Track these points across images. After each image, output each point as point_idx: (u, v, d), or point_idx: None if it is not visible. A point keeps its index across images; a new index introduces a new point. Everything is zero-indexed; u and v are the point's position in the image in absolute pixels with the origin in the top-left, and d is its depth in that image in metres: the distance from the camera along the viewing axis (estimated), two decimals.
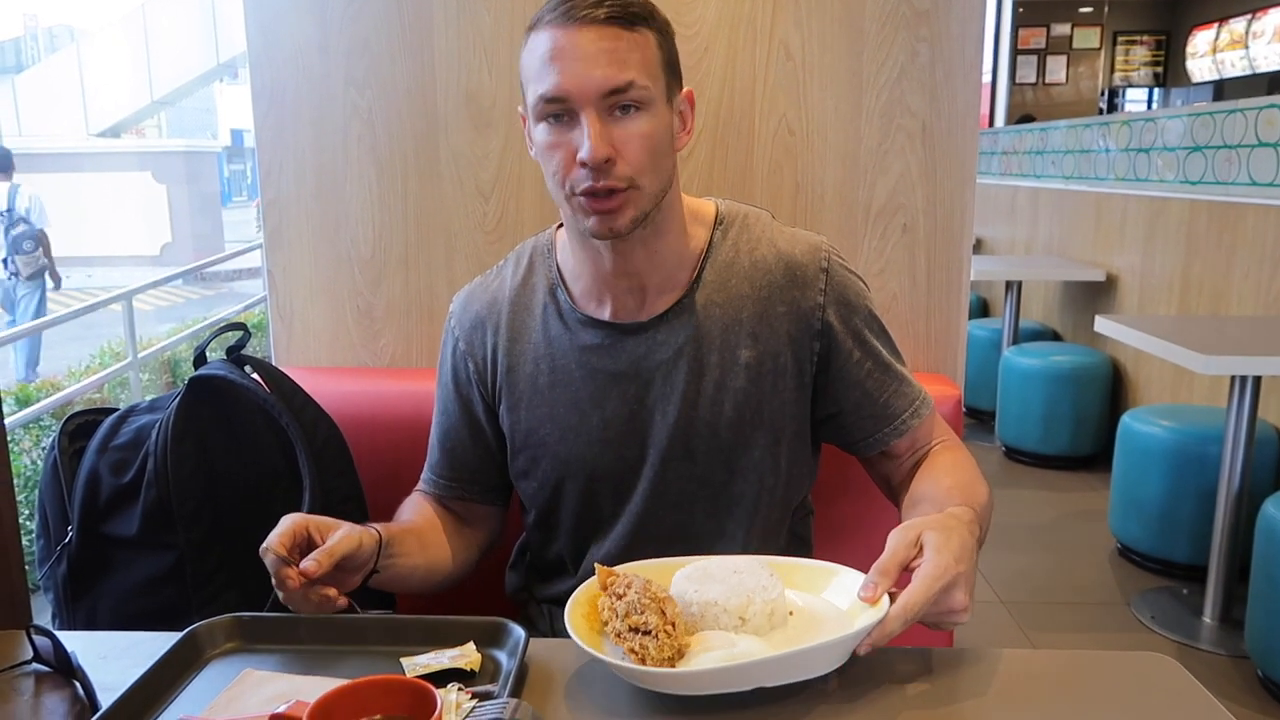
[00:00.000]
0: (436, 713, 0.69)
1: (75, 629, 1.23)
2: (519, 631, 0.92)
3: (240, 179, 33.92)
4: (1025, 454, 4.31)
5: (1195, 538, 2.99)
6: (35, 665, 0.89)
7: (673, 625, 0.84)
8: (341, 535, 0.97)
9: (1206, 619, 2.79)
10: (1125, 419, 3.26)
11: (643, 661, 0.81)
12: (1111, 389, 4.21)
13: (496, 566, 1.32)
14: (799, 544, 1.26)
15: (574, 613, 0.88)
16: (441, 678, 0.84)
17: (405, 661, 0.89)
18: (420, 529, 1.16)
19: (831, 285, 1.12)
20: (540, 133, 1.02)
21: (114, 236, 14.69)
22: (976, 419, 4.96)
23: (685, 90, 1.09)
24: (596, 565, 0.93)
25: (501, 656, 0.91)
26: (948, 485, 1.08)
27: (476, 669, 0.89)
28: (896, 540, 0.89)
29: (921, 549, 0.89)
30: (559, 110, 0.99)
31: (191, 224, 15.03)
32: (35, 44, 32.64)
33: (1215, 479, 2.76)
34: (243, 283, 13.38)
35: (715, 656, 0.82)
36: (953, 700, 0.87)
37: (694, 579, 0.91)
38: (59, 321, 3.49)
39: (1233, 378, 2.66)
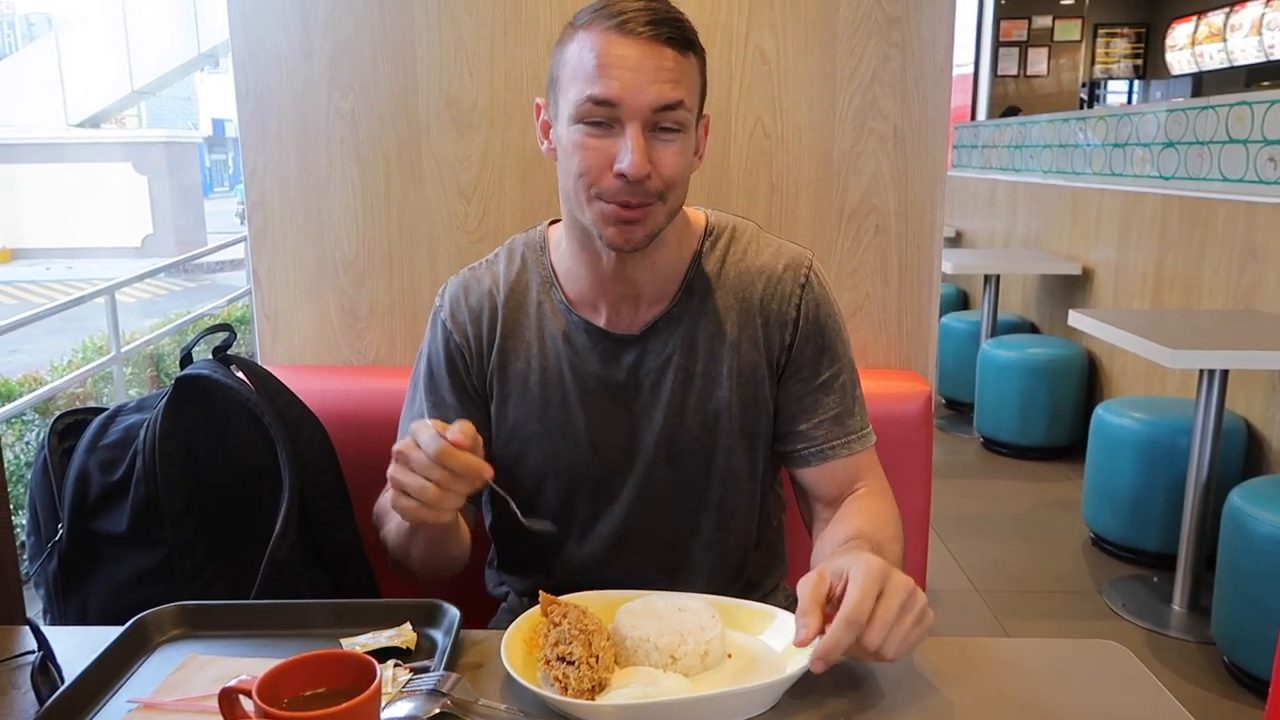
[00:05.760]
0: (376, 682, 0.73)
1: (66, 624, 1.25)
2: (453, 611, 0.97)
3: (222, 169, 33.72)
4: (1002, 445, 4.38)
5: (1165, 527, 3.05)
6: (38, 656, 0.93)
7: (596, 658, 0.85)
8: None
9: (1175, 607, 2.85)
10: (1098, 411, 3.31)
11: (565, 691, 0.83)
12: (1087, 381, 4.28)
13: (476, 565, 1.35)
14: (767, 548, 1.29)
15: (514, 636, 0.91)
16: (381, 657, 0.88)
17: (345, 642, 0.94)
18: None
19: (806, 301, 1.15)
20: (574, 132, 1.02)
21: (95, 228, 14.58)
22: (955, 410, 5.02)
23: (705, 116, 1.11)
24: (541, 593, 0.95)
25: (437, 635, 0.96)
26: (863, 538, 1.06)
27: (413, 647, 0.94)
28: (807, 583, 0.88)
29: (839, 577, 0.87)
30: (604, 116, 1.00)
31: (173, 215, 14.91)
32: (12, 33, 32.28)
33: (1185, 470, 2.82)
34: (225, 275, 13.32)
35: (628, 693, 0.83)
36: (908, 686, 0.91)
37: (636, 614, 0.93)
38: (42, 316, 3.46)
39: (1201, 371, 2.71)
